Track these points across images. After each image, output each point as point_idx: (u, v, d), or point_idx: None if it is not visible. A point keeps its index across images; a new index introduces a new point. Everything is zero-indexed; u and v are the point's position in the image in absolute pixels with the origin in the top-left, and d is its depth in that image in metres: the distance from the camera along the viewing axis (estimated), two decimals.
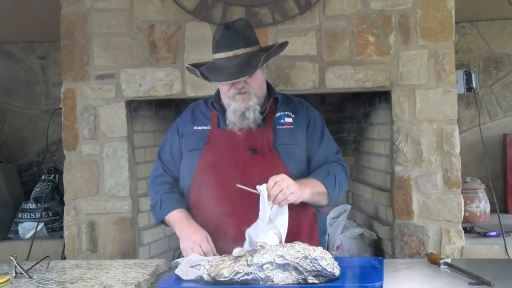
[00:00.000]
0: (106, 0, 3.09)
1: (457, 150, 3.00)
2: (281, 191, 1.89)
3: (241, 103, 2.11)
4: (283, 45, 2.28)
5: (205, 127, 2.22)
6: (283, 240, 1.91)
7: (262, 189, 1.90)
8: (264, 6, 3.03)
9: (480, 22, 4.06)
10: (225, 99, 2.17)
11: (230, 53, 2.11)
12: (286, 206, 1.94)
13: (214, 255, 2.03)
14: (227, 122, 2.16)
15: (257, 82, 2.15)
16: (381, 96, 3.23)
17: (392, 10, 3.00)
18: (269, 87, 2.28)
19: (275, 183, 1.90)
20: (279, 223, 1.93)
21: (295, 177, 2.07)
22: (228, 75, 2.08)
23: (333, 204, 2.22)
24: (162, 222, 2.25)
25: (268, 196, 1.89)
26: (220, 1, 3.03)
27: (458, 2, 3.01)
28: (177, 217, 2.16)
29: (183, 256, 2.07)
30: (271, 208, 1.90)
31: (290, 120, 2.20)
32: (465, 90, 3.42)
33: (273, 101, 2.22)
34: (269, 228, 1.91)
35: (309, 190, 2.04)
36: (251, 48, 2.13)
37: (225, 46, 2.12)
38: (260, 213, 1.90)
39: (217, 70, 2.13)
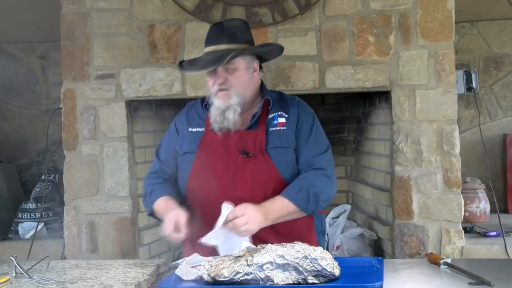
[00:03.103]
0: (106, 0, 3.09)
1: (457, 150, 3.00)
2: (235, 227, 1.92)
3: (222, 100, 2.10)
4: (267, 45, 2.26)
5: (200, 129, 2.20)
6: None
7: (224, 212, 1.94)
8: (264, 6, 3.03)
9: (480, 22, 4.05)
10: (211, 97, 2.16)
11: (211, 48, 2.13)
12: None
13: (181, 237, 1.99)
14: (211, 121, 2.14)
15: (239, 80, 2.12)
16: (381, 96, 3.23)
17: (392, 10, 3.00)
18: (262, 89, 2.25)
19: (234, 218, 1.91)
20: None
21: (287, 180, 2.09)
22: (200, 66, 2.11)
23: (315, 212, 2.17)
24: (153, 215, 2.21)
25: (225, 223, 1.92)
26: (220, 1, 3.03)
27: (458, 2, 3.02)
28: (161, 205, 2.12)
29: (183, 257, 2.07)
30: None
31: (283, 120, 2.16)
32: (465, 90, 3.42)
33: (266, 102, 2.19)
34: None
35: (271, 220, 2.01)
36: (236, 45, 2.11)
37: (209, 41, 2.15)
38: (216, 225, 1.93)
39: (195, 62, 2.16)
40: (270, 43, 2.32)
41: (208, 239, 1.94)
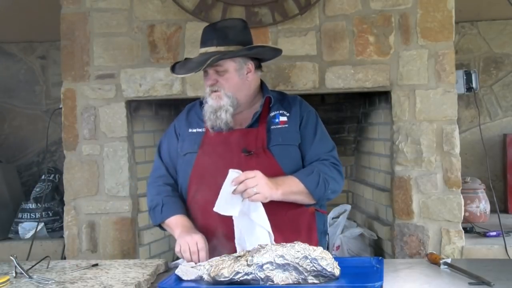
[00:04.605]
0: (106, 0, 3.09)
1: (457, 150, 3.00)
2: (245, 190, 1.91)
3: (214, 101, 2.12)
4: (255, 48, 2.19)
5: (200, 129, 2.20)
6: (271, 232, 1.94)
7: (231, 175, 1.93)
8: (264, 6, 3.03)
9: (480, 22, 4.06)
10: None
11: (202, 50, 2.15)
12: (259, 202, 1.96)
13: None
14: (205, 119, 2.16)
15: (229, 82, 2.12)
16: (381, 96, 3.23)
17: (392, 10, 3.00)
18: (262, 87, 2.25)
19: (245, 179, 1.92)
20: (254, 216, 1.95)
21: None
22: (187, 69, 2.13)
23: (321, 201, 2.17)
24: (159, 225, 2.23)
25: (235, 190, 1.92)
26: (220, 1, 3.03)
27: (458, 2, 3.01)
28: (178, 221, 2.12)
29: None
30: (242, 201, 1.94)
31: (284, 118, 2.17)
32: (465, 90, 3.42)
33: (267, 100, 2.20)
34: (252, 225, 1.95)
35: (281, 191, 2.01)
36: (226, 47, 2.11)
37: (201, 42, 2.17)
38: (219, 196, 1.93)
39: (186, 64, 2.17)
40: (261, 45, 2.30)
41: (219, 207, 1.92)
